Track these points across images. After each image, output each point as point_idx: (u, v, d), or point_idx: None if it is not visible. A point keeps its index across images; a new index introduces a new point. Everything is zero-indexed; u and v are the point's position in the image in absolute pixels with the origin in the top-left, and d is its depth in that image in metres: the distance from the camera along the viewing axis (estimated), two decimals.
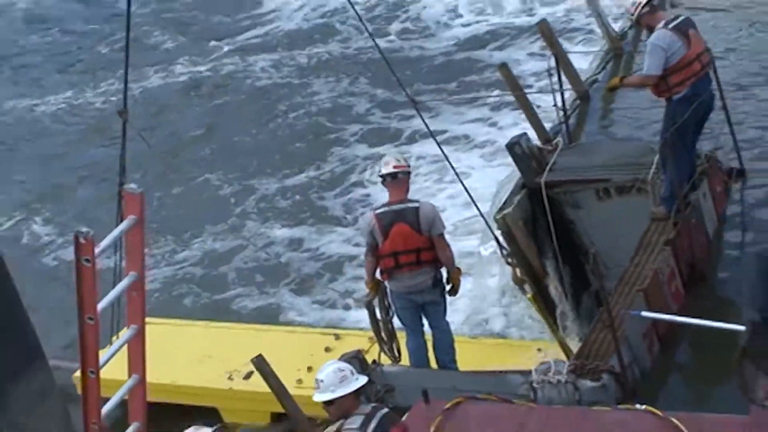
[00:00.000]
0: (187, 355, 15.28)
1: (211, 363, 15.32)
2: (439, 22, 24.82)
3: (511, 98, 20.44)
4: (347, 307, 17.36)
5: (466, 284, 14.48)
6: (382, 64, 20.28)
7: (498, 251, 14.74)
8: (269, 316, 17.28)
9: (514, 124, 19.88)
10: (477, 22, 24.42)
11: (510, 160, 15.81)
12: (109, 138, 21.46)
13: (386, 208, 13.60)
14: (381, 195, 18.82)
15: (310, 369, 13.37)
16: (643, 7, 15.22)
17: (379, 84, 22.41)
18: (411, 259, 13.54)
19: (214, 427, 9.97)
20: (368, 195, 19.78)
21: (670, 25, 14.97)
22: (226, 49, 25.72)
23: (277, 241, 19.17)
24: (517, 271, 14.54)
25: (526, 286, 14.68)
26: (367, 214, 14.11)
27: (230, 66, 25.08)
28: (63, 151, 23.15)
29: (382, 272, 13.77)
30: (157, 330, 14.81)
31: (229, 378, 14.93)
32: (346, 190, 20.15)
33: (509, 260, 14.51)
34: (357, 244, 18.47)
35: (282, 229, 19.41)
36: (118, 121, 18.81)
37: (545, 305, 14.96)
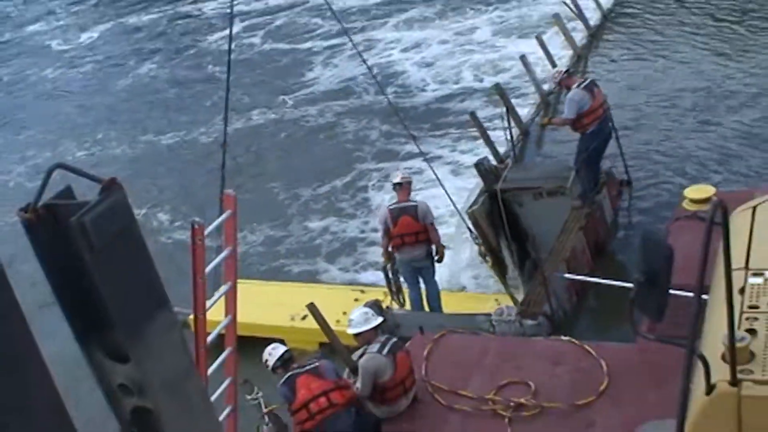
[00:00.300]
0: (263, 304, 15.23)
1: (279, 309, 15.28)
2: (418, 87, 24.95)
3: (470, 132, 20.66)
4: (358, 272, 17.30)
5: (447, 255, 14.44)
6: (386, 110, 20.39)
7: (468, 235, 14.75)
8: (312, 278, 17.25)
9: (470, 150, 20.03)
10: (441, 88, 24.59)
11: (474, 173, 15.85)
12: (210, 161, 21.74)
13: (396, 205, 13.74)
14: (378, 197, 19.43)
15: (344, 313, 13.27)
16: (563, 74, 15.64)
17: (384, 123, 22.60)
18: (412, 239, 13.62)
19: (286, 348, 9.94)
20: (368, 198, 19.75)
21: (582, 86, 15.30)
22: (289, 103, 25.71)
23: (313, 229, 19.15)
24: (481, 248, 14.57)
25: (487, 258, 14.70)
26: (383, 209, 14.28)
27: (289, 113, 25.06)
28: (178, 169, 23.24)
29: (392, 247, 13.83)
30: (241, 287, 14.81)
31: (291, 319, 14.92)
32: (357, 194, 20.18)
33: (476, 241, 14.55)
34: (363, 231, 18.55)
35: (316, 221, 19.40)
36: (216, 149, 19.02)
37: (500, 270, 14.95)
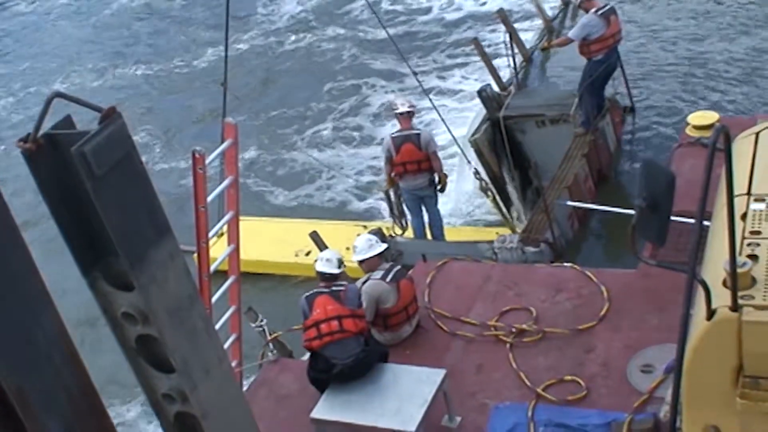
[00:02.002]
0: (267, 241, 15.26)
1: (283, 245, 15.28)
2: (409, 10, 24.76)
3: (469, 60, 20.59)
4: (358, 203, 17.29)
5: (450, 185, 14.41)
6: (370, 39, 20.15)
7: (468, 168, 14.74)
8: (311, 211, 17.23)
9: (476, 79, 19.87)
10: (436, 12, 24.32)
11: (476, 101, 15.82)
12: (196, 89, 22.37)
13: (399, 133, 13.63)
14: (374, 128, 19.43)
15: (347, 249, 13.32)
16: None
17: (372, 51, 22.68)
18: (414, 167, 13.57)
19: (334, 271, 9.72)
20: (363, 129, 19.68)
21: (599, 12, 15.07)
22: (256, 36, 25.67)
23: (305, 161, 18.96)
24: (482, 183, 14.52)
25: (489, 193, 14.67)
26: (386, 137, 14.03)
27: (259, 46, 24.99)
28: (158, 97, 23.40)
29: (395, 175, 13.78)
30: (244, 224, 14.81)
31: (296, 255, 14.96)
32: (353, 124, 20.05)
33: (477, 176, 14.51)
34: (361, 162, 18.60)
35: (308, 153, 19.08)
36: (196, 78, 18.75)
37: (503, 202, 15.02)
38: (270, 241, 15.30)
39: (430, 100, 15.01)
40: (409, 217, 14.37)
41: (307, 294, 9.41)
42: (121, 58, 26.44)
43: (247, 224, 14.63)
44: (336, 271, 9.56)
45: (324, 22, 25.45)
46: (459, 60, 21.76)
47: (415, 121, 14.24)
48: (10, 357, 3.49)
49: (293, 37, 25.04)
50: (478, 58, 19.19)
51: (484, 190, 14.56)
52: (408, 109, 13.74)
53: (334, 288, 9.39)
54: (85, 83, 25.21)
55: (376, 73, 21.96)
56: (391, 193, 14.12)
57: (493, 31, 21.69)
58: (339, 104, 21.03)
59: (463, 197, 16.15)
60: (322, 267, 9.60)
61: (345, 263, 9.86)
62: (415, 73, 15.06)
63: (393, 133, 13.87)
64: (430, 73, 20.99)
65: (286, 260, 14.97)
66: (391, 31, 17.49)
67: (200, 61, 24.76)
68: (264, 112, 21.34)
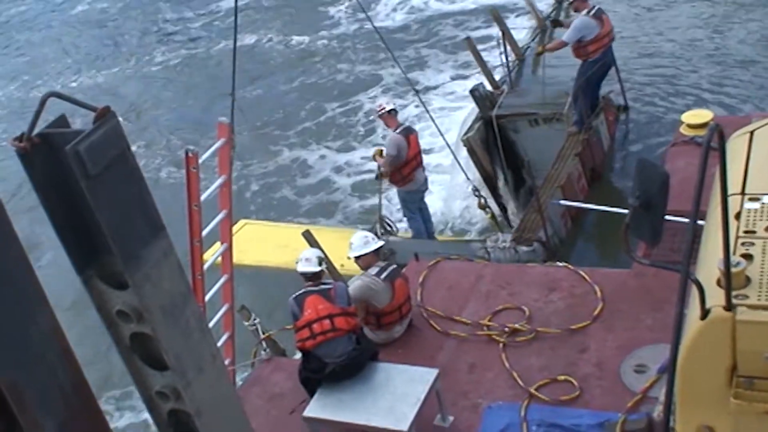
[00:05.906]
0: (269, 245, 15.18)
1: (285, 250, 15.13)
2: (397, 8, 24.94)
3: (462, 58, 20.63)
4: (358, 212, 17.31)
5: (443, 185, 14.41)
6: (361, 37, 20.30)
7: (464, 174, 14.75)
8: (321, 219, 17.23)
9: (465, 77, 20.00)
10: (426, 10, 24.50)
11: (468, 100, 15.84)
12: (181, 85, 22.87)
13: (400, 129, 13.59)
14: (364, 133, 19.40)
15: (349, 259, 13.22)
16: None
17: (362, 50, 22.89)
18: (419, 158, 13.78)
19: (315, 269, 9.67)
20: (349, 134, 19.80)
21: (591, 13, 15.10)
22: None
23: (301, 165, 19.09)
24: (481, 200, 14.50)
25: (487, 209, 14.63)
26: (396, 137, 13.51)
27: (254, 42, 25.21)
28: (133, 98, 23.70)
29: (407, 174, 13.65)
30: (248, 228, 14.85)
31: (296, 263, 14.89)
32: (341, 129, 20.08)
33: (475, 193, 14.45)
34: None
35: (306, 156, 19.29)
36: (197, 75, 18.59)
37: (501, 219, 15.05)
38: (271, 246, 15.24)
39: (421, 100, 15.04)
40: (405, 221, 14.35)
41: (296, 294, 9.38)
42: (96, 59, 26.72)
43: (248, 227, 14.69)
44: (317, 269, 9.53)
45: (311, 25, 25.51)
46: (451, 59, 21.81)
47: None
48: (4, 353, 3.51)
49: (288, 39, 25.06)
50: (470, 57, 19.19)
51: (483, 207, 14.54)
52: (393, 107, 13.75)
53: (322, 286, 9.39)
54: (55, 85, 25.30)
55: (366, 75, 22.00)
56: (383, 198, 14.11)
57: (487, 28, 21.75)
58: (339, 109, 21.01)
59: (455, 194, 16.14)
60: (303, 267, 9.56)
61: (325, 261, 9.86)
62: (411, 82, 15.10)
63: (395, 131, 13.60)
64: (420, 73, 21.04)
65: (289, 266, 14.78)
66: (380, 29, 17.47)
67: (178, 56, 25.02)
68: (266, 116, 21.34)
